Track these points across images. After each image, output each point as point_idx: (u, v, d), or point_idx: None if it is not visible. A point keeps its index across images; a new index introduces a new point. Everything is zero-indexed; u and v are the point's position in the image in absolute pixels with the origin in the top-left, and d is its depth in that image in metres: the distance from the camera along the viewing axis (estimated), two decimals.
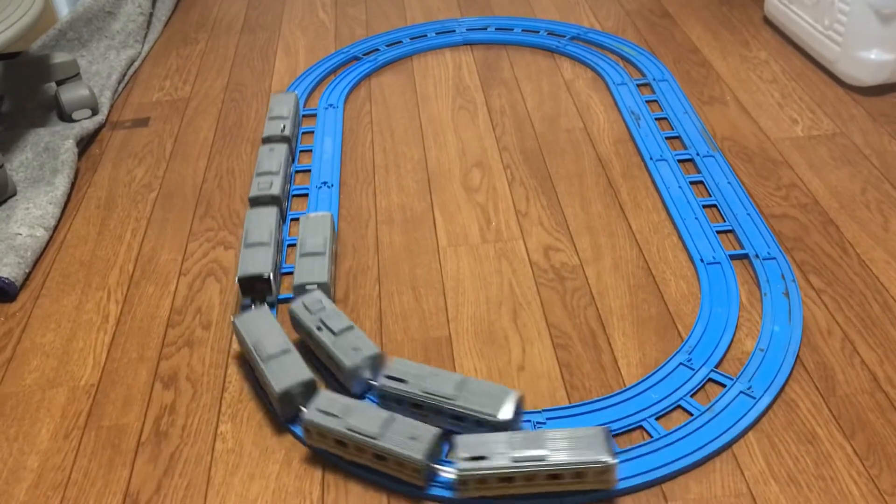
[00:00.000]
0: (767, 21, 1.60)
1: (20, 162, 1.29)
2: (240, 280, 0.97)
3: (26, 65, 1.46)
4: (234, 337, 0.95)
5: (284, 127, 1.24)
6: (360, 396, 0.87)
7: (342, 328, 0.89)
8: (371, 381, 0.86)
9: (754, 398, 0.84)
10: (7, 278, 1.05)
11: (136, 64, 1.61)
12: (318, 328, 0.89)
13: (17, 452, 0.85)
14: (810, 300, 0.96)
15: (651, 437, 0.82)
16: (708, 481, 0.77)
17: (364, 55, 1.58)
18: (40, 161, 1.28)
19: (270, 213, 1.06)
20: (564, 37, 1.59)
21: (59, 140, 1.31)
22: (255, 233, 1.02)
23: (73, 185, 1.26)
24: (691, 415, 0.83)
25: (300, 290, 0.96)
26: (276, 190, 1.11)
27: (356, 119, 1.39)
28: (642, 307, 0.98)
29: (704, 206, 1.12)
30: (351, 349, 0.87)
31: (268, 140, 1.23)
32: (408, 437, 0.77)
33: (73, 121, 1.39)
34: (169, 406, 0.89)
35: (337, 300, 1.01)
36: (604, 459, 0.73)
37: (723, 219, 1.10)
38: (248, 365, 0.92)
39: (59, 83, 1.40)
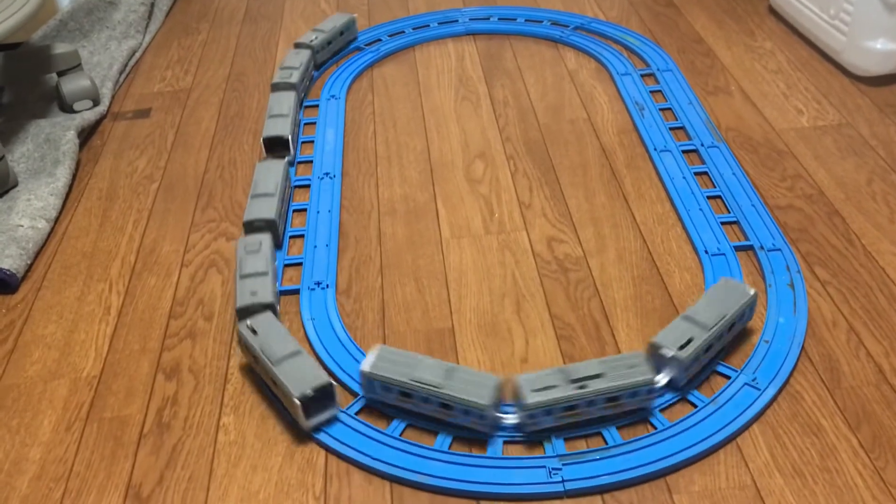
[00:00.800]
0: (773, 10, 1.59)
1: (21, 153, 1.28)
2: (264, 139, 1.23)
3: (27, 56, 1.45)
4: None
5: (314, 39, 1.48)
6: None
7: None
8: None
9: (759, 390, 0.84)
10: (9, 270, 1.04)
11: (138, 54, 1.60)
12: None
13: (19, 444, 0.85)
14: (815, 292, 0.96)
15: (655, 428, 0.81)
16: (712, 473, 0.77)
17: (366, 45, 1.57)
18: (41, 152, 1.27)
19: (289, 95, 1.32)
20: (568, 27, 1.58)
21: (60, 131, 1.30)
22: (276, 108, 1.29)
23: (74, 176, 1.25)
24: (696, 406, 0.83)
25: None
26: (294, 79, 1.36)
27: (358, 110, 1.38)
28: (646, 299, 0.97)
29: (709, 197, 1.11)
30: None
31: (298, 45, 1.48)
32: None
33: (74, 112, 1.38)
34: (171, 398, 0.89)
35: (339, 292, 1.01)
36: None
37: (727, 210, 1.09)
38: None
39: (61, 74, 1.39)
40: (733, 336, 0.89)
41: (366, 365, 0.84)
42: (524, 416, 0.80)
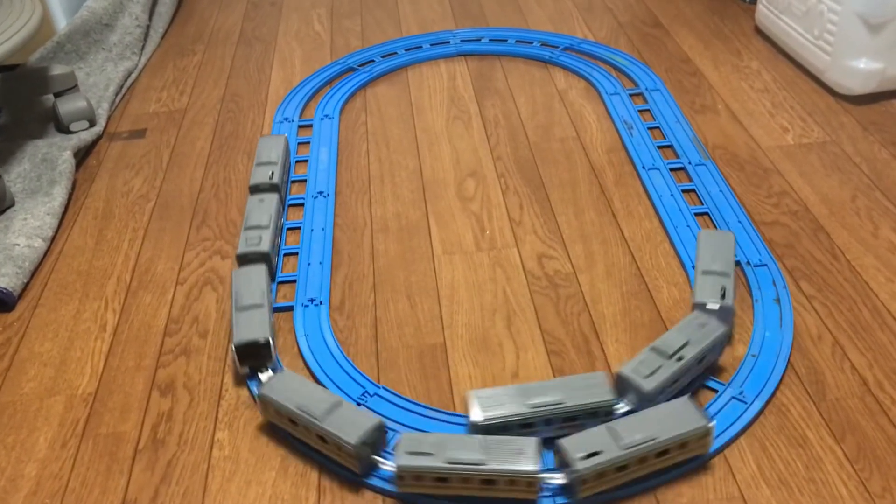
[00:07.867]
0: (759, 31, 1.61)
1: (18, 173, 1.30)
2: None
3: (24, 77, 1.47)
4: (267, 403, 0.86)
5: (273, 174, 1.18)
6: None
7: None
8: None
9: (746, 403, 0.85)
10: (5, 288, 1.05)
11: (134, 75, 1.62)
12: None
13: (14, 461, 0.86)
14: (801, 306, 0.97)
15: None
16: (700, 485, 0.78)
17: (359, 66, 1.59)
18: (38, 172, 1.29)
19: (260, 271, 1.01)
20: (557, 47, 1.60)
21: (56, 151, 1.32)
22: (245, 295, 0.98)
23: (70, 195, 1.26)
24: None
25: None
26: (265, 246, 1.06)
27: (352, 129, 1.40)
28: (635, 314, 0.98)
29: (696, 214, 1.13)
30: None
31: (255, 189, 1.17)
32: (513, 453, 0.76)
33: (70, 132, 1.39)
34: (166, 414, 0.90)
35: (332, 308, 1.02)
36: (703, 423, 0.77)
37: (714, 226, 1.11)
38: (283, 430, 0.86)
39: (57, 95, 1.41)
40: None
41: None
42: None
